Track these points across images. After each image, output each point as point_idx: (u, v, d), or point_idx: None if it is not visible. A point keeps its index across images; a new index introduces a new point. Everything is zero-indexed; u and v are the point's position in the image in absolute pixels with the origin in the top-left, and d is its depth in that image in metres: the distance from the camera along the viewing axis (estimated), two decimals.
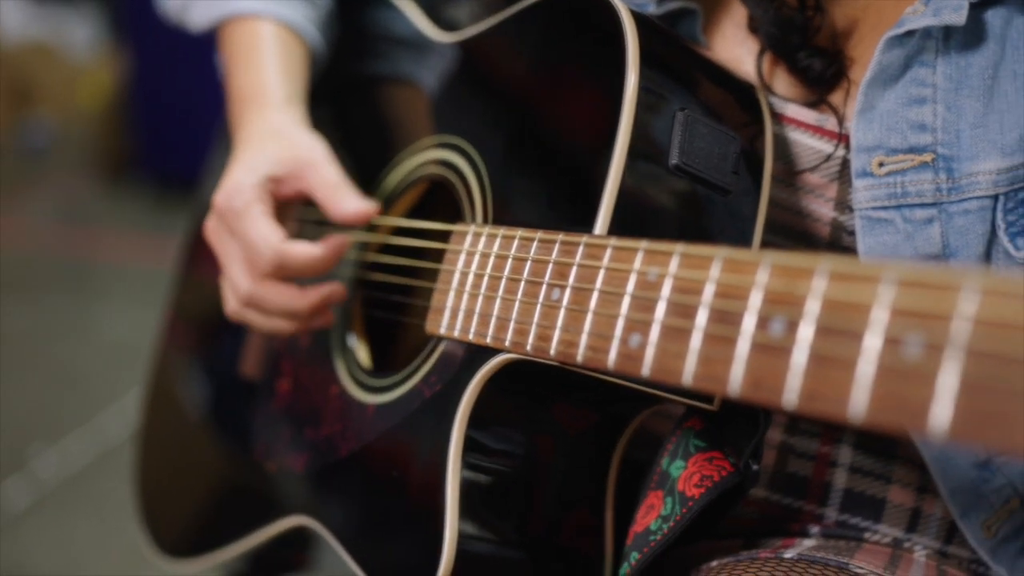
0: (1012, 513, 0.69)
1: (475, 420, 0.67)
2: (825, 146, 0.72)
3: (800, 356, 0.46)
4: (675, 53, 0.70)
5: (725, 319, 0.50)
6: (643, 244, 0.57)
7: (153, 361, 1.10)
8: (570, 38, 0.71)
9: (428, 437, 0.69)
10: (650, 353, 0.54)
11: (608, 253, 0.59)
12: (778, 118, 0.73)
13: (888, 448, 0.74)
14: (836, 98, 0.72)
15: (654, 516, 0.71)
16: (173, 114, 3.72)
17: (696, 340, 0.51)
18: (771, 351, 0.48)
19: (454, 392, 0.68)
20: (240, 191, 0.77)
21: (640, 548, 0.69)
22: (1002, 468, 0.69)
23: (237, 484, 0.93)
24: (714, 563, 0.71)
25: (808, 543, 0.73)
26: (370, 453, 0.76)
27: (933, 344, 0.41)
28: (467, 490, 0.66)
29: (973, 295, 0.40)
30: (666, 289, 0.54)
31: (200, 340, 1.05)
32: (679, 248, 0.54)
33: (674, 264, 0.54)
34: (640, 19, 0.66)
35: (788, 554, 0.70)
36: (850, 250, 0.71)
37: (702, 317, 0.51)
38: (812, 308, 0.46)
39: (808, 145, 0.72)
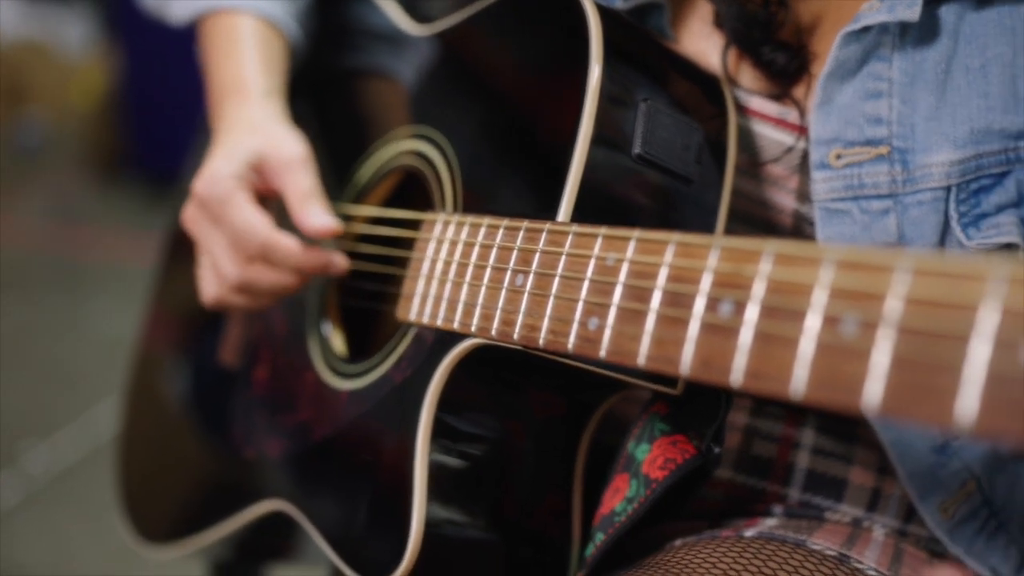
0: (969, 496, 0.71)
1: (444, 404, 0.68)
2: (787, 138, 0.73)
3: (746, 336, 0.47)
4: (640, 46, 0.71)
5: (677, 302, 0.52)
6: (602, 230, 0.58)
7: (135, 352, 1.12)
8: (538, 31, 0.72)
9: (398, 421, 0.71)
10: (607, 335, 0.55)
11: (569, 239, 0.60)
12: (742, 110, 0.75)
13: (850, 431, 0.76)
14: (799, 92, 0.74)
15: (620, 498, 0.73)
16: (165, 113, 3.72)
17: (650, 322, 0.53)
18: (720, 332, 0.49)
19: (424, 377, 0.69)
20: (221, 179, 0.78)
21: (605, 529, 0.71)
22: (959, 452, 0.70)
23: (215, 470, 0.94)
24: (677, 542, 0.72)
25: (770, 522, 0.74)
26: (343, 437, 0.77)
27: (868, 322, 0.43)
28: (435, 473, 0.68)
29: (905, 275, 0.42)
30: (623, 274, 0.56)
31: (180, 331, 1.06)
32: (636, 234, 0.56)
33: (631, 249, 0.56)
34: (605, 12, 0.68)
35: (749, 533, 0.72)
36: (811, 240, 0.73)
37: (656, 300, 0.53)
38: (758, 290, 0.48)
39: (771, 137, 0.74)
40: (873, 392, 0.42)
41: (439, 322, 0.69)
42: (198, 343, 1.02)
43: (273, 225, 0.79)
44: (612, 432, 0.77)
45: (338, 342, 0.85)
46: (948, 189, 0.67)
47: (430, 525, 0.67)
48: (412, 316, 0.72)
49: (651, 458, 0.73)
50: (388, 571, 0.67)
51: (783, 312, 0.46)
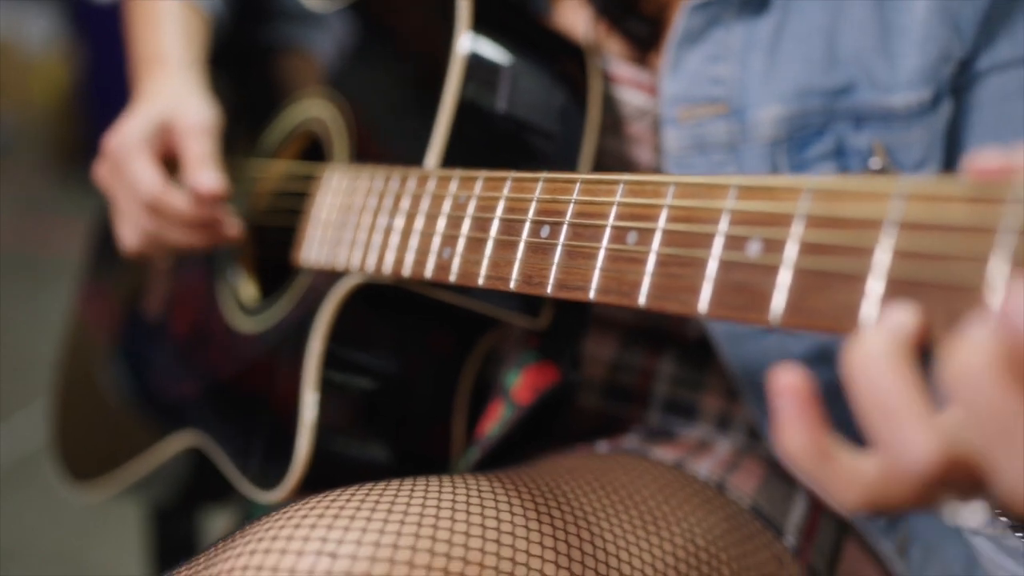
0: None
1: (333, 337, 0.76)
2: (646, 100, 0.82)
3: (557, 253, 0.56)
4: (508, 18, 0.80)
5: (510, 229, 0.60)
6: (457, 172, 0.67)
7: (70, 313, 1.19)
8: (419, 3, 0.81)
9: (293, 354, 0.79)
10: (456, 262, 0.64)
11: (432, 182, 0.69)
12: (606, 75, 0.83)
13: (703, 361, 0.85)
14: (658, 58, 0.83)
15: (492, 422, 0.81)
16: (127, 108, 3.75)
17: (489, 248, 0.61)
18: (539, 250, 0.58)
19: (316, 314, 0.77)
20: (127, 138, 0.86)
21: (480, 448, 0.79)
22: None
23: (136, 412, 1.02)
24: (540, 459, 0.81)
25: (625, 442, 0.83)
26: (247, 373, 0.85)
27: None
28: (323, 398, 0.76)
29: (673, 191, 0.51)
30: (471, 207, 0.64)
31: (111, 290, 1.14)
32: (483, 173, 0.64)
33: (478, 187, 0.64)
34: None
35: (602, 449, 0.81)
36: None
37: (494, 228, 0.61)
38: (569, 213, 0.56)
39: (631, 99, 0.83)
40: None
41: (326, 263, 0.77)
42: (125, 300, 1.10)
43: (166, 182, 0.86)
44: (498, 366, 0.86)
45: (250, 290, 0.93)
46: (777, 142, 0.76)
47: (319, 443, 0.75)
48: (306, 259, 0.80)
49: (519, 385, 0.82)
50: (278, 482, 0.75)
51: (585, 229, 0.55)
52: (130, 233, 0.89)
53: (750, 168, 0.77)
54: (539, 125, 0.76)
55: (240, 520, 1.05)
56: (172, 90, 0.92)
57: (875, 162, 0.74)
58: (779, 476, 0.83)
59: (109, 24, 2.16)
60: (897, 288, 0.41)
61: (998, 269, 0.37)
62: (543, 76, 0.77)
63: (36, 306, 3.04)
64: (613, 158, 0.84)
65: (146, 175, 0.85)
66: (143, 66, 0.96)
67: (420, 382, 0.80)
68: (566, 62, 0.80)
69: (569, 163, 0.78)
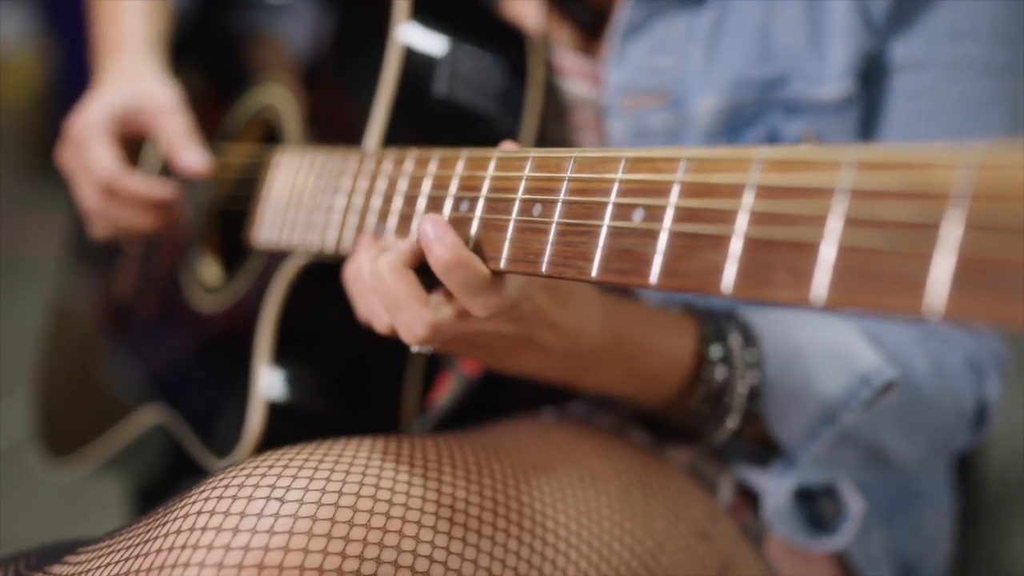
0: None
1: (283, 312, 0.80)
2: (590, 90, 0.86)
3: (474, 227, 0.60)
4: (450, 6, 0.83)
5: (435, 205, 0.64)
6: (391, 152, 0.70)
7: (50, 300, 1.24)
8: None
9: (249, 329, 0.83)
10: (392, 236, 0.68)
11: (370, 163, 0.72)
12: (552, 64, 0.87)
13: None
14: (603, 48, 0.86)
15: (443, 393, 0.85)
16: (89, 91, 3.77)
17: (414, 224, 0.65)
18: (462, 223, 0.61)
19: (269, 291, 0.81)
20: (87, 122, 0.90)
21: (431, 418, 0.83)
22: None
23: (108, 389, 1.07)
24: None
25: (572, 409, 0.86)
26: (206, 348, 0.90)
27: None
28: (276, 368, 0.80)
29: (573, 165, 0.54)
30: (402, 185, 0.68)
31: (87, 273, 1.18)
32: (412, 153, 0.68)
33: (408, 165, 0.68)
34: None
35: (548, 417, 0.84)
36: None
37: (421, 204, 0.65)
38: (485, 188, 0.60)
39: (576, 88, 0.86)
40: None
41: (277, 242, 0.81)
42: (101, 283, 1.14)
43: (123, 166, 0.89)
44: None
45: (213, 270, 0.97)
46: (714, 131, 0.80)
47: (271, 414, 0.79)
48: (258, 240, 0.84)
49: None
50: (233, 448, 0.79)
51: (499, 203, 0.59)
52: (91, 216, 0.93)
53: None
54: (477, 110, 0.79)
55: None
56: (134, 72, 0.95)
57: None
58: None
59: (82, 22, 2.18)
60: (756, 247, 0.44)
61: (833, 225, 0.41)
62: (482, 61, 0.81)
63: (12, 303, 3.05)
64: (559, 145, 0.87)
65: (103, 158, 0.89)
66: (104, 49, 1.00)
67: (371, 354, 0.84)
68: (507, 48, 0.84)
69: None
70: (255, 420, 0.78)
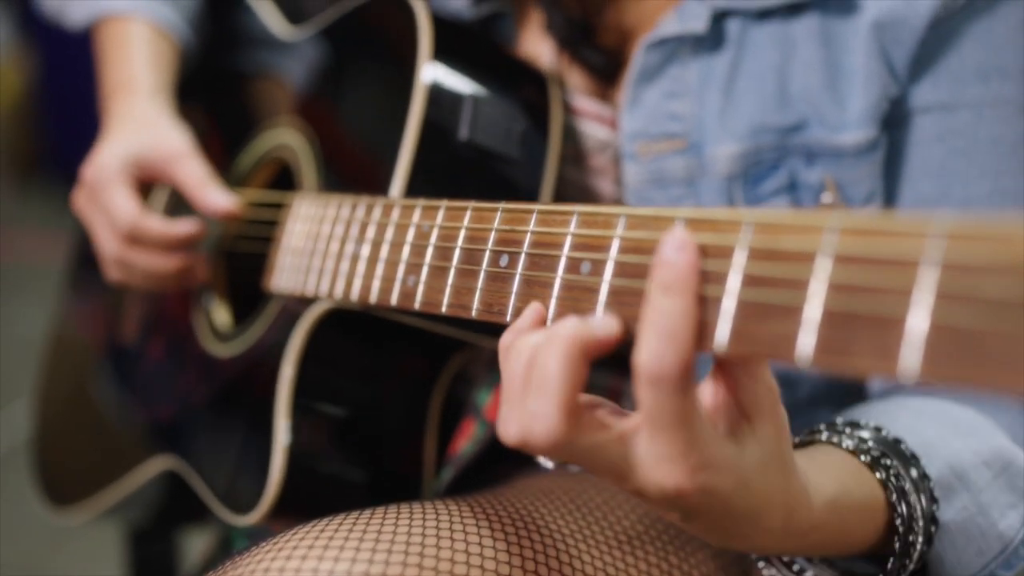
0: None
1: (304, 360, 0.78)
2: (607, 133, 0.85)
3: (516, 282, 0.59)
4: (471, 48, 0.82)
5: (471, 258, 0.63)
6: (420, 202, 0.69)
7: (50, 334, 1.20)
8: (383, 34, 0.83)
9: (266, 379, 0.80)
10: (420, 290, 0.66)
11: (396, 211, 0.71)
12: (569, 107, 0.86)
13: None
14: (618, 93, 0.85)
15: (465, 440, 0.84)
16: (83, 114, 3.69)
17: (451, 276, 0.64)
18: (499, 279, 0.60)
19: (288, 338, 0.79)
20: (103, 168, 0.88)
21: (454, 466, 0.82)
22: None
23: (114, 437, 1.03)
24: (516, 479, 0.83)
25: None
26: (221, 396, 0.87)
27: (597, 261, 0.53)
28: (297, 420, 0.77)
29: (624, 223, 0.53)
30: (434, 236, 0.66)
31: (90, 313, 1.15)
32: (444, 203, 0.66)
33: (440, 216, 0.66)
34: (438, 20, 0.78)
35: (574, 467, 0.83)
36: None
37: (456, 257, 0.64)
38: (525, 242, 0.59)
39: (593, 132, 0.85)
40: (599, 311, 0.53)
41: (296, 289, 0.79)
42: (104, 323, 1.11)
43: (143, 210, 0.88)
44: (470, 386, 0.88)
45: (223, 314, 0.95)
46: (733, 177, 0.79)
47: (291, 468, 0.77)
48: (277, 286, 0.82)
49: (491, 403, 0.84)
50: (252, 506, 0.77)
51: (541, 259, 0.58)
52: (110, 263, 0.90)
53: (708, 202, 0.79)
54: (502, 152, 0.78)
55: (219, 542, 1.06)
56: (145, 117, 0.93)
57: (826, 196, 0.77)
58: None
59: (65, 32, 2.15)
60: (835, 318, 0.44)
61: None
62: (505, 104, 0.79)
63: None
64: (576, 188, 0.86)
65: (123, 202, 0.87)
66: (112, 93, 0.97)
67: (392, 404, 0.82)
68: (528, 89, 0.83)
69: (532, 191, 0.80)
70: (275, 475, 0.76)
